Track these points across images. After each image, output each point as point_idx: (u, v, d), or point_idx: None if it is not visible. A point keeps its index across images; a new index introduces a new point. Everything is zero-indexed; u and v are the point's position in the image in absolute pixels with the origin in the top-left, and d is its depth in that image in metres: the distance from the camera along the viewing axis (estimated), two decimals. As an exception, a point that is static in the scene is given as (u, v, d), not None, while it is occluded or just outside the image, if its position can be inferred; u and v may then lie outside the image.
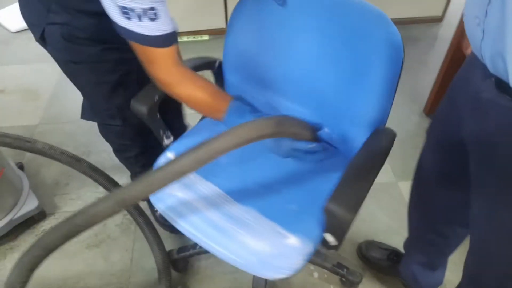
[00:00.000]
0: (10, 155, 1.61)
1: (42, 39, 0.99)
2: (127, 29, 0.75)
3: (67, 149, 1.79)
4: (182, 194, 0.98)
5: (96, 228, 1.51)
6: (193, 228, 0.94)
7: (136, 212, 1.17)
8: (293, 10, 0.99)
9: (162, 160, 1.07)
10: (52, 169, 1.73)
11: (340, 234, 0.87)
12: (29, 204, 1.46)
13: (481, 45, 0.65)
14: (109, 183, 1.10)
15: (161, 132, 1.09)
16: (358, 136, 1.03)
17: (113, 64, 1.05)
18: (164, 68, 0.85)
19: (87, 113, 1.19)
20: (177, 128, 1.57)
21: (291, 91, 1.10)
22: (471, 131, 0.77)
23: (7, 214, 1.40)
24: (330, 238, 0.89)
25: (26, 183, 1.51)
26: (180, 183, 1.00)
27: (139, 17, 0.72)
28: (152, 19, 0.73)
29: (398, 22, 2.94)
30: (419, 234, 1.18)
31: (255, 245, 0.90)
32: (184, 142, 1.12)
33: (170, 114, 1.14)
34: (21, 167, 1.66)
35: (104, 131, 1.26)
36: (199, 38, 2.56)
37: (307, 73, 1.05)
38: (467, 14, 0.68)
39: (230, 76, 1.18)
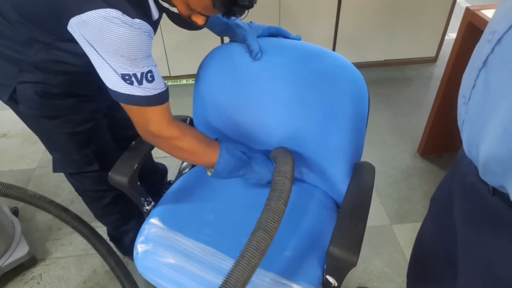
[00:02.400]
0: (6, 200, 1.63)
1: (11, 99, 0.99)
2: (127, 95, 0.81)
3: (63, 192, 1.84)
4: (174, 260, 0.95)
5: (85, 275, 1.50)
6: None
7: (117, 266, 1.14)
8: (262, 61, 1.03)
9: (147, 227, 1.03)
10: (46, 214, 1.71)
11: (341, 275, 0.89)
12: (20, 251, 1.46)
13: (462, 127, 0.64)
14: (93, 236, 1.08)
15: (142, 199, 1.09)
16: (338, 173, 1.06)
17: (87, 114, 1.08)
18: (162, 124, 0.88)
19: (59, 165, 1.18)
20: (154, 171, 1.58)
21: (266, 138, 1.13)
22: (457, 213, 0.75)
23: (-4, 261, 1.40)
24: (331, 279, 0.91)
25: (18, 229, 1.51)
26: (171, 248, 0.97)
27: (140, 81, 0.80)
28: (150, 81, 0.81)
29: (393, 63, 3.02)
30: None
31: (261, 302, 0.87)
32: (167, 207, 1.09)
33: (144, 167, 1.12)
34: (15, 212, 1.67)
35: (80, 181, 1.24)
36: (198, 80, 2.64)
37: (281, 119, 1.07)
38: (460, 90, 0.66)
39: (202, 132, 1.18)
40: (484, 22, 1.36)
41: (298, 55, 1.00)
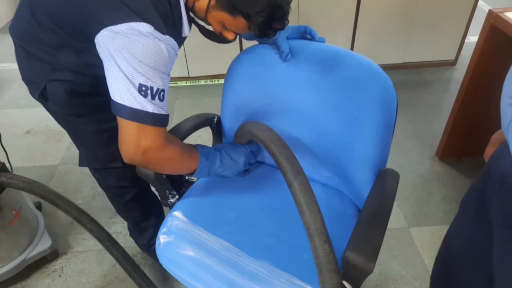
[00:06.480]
0: (30, 195, 1.68)
1: (41, 96, 1.03)
2: (135, 109, 0.80)
3: (84, 188, 1.89)
4: (194, 253, 0.97)
5: (105, 269, 1.53)
6: None
7: (131, 268, 1.14)
8: (290, 64, 1.04)
9: (170, 219, 1.05)
10: (68, 209, 1.78)
11: (358, 281, 0.87)
12: (43, 244, 1.50)
13: (508, 126, 0.64)
14: (108, 240, 1.08)
15: (167, 192, 1.11)
16: (361, 179, 1.05)
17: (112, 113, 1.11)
18: (158, 140, 0.87)
19: (85, 160, 1.21)
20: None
21: (292, 141, 1.13)
22: (496, 213, 0.74)
23: (21, 253, 1.45)
24: (347, 285, 0.89)
25: (41, 223, 1.56)
26: (191, 242, 0.99)
27: (153, 96, 0.81)
28: (161, 100, 0.83)
29: (412, 66, 3.02)
30: None
31: (273, 302, 0.87)
32: (191, 201, 1.11)
33: None
34: (39, 206, 1.72)
35: (104, 176, 1.26)
36: (216, 81, 2.67)
37: (307, 122, 1.08)
38: (503, 91, 0.67)
39: (229, 130, 1.22)
40: (507, 24, 1.35)
41: (327, 58, 1.00)
